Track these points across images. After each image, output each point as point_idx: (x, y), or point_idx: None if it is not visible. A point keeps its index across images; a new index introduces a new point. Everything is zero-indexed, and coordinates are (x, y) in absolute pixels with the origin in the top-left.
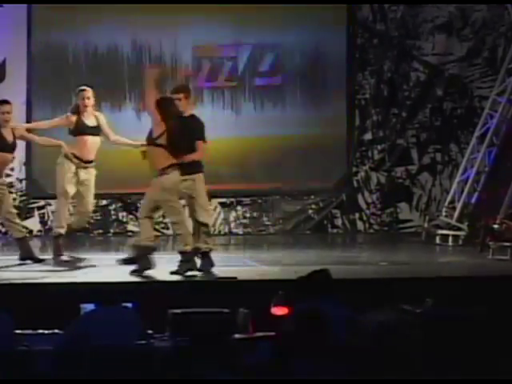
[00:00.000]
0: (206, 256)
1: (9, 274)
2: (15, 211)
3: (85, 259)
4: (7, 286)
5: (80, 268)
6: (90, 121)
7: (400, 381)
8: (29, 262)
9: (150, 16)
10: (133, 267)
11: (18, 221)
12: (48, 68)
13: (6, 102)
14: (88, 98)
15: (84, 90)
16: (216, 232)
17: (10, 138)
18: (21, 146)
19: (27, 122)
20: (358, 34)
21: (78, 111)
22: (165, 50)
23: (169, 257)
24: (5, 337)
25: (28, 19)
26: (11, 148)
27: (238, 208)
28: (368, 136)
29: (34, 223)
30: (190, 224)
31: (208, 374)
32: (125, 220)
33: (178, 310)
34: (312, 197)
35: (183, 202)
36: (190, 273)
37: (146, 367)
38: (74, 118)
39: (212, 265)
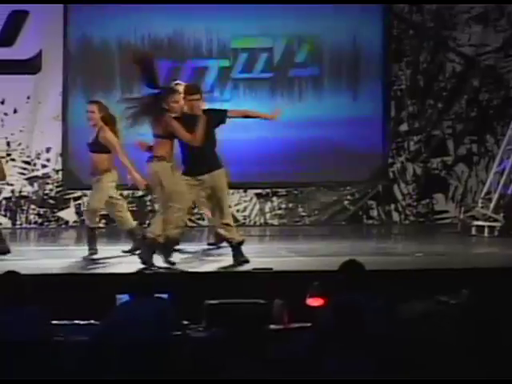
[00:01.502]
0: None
1: (46, 264)
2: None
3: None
4: (44, 276)
5: (115, 259)
6: None
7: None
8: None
9: (185, 7)
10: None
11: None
12: (84, 59)
13: (92, 101)
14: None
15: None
16: (252, 223)
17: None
18: (57, 136)
19: (63, 112)
20: (394, 25)
21: None
22: (202, 42)
23: (204, 248)
24: (41, 327)
25: (64, 10)
26: (98, 149)
27: (274, 199)
28: (404, 127)
29: (70, 214)
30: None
31: (242, 365)
32: None
33: (214, 301)
34: (348, 188)
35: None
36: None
37: (181, 358)
38: None
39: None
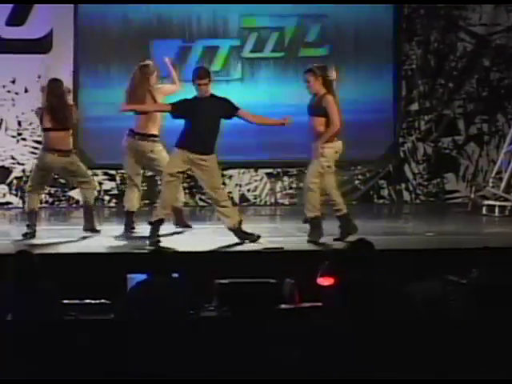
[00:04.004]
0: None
1: (56, 243)
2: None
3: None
4: (55, 255)
5: (126, 238)
6: None
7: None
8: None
9: None
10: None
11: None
12: (95, 38)
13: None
14: None
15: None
16: (262, 202)
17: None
18: None
19: (74, 92)
20: (404, 4)
21: None
22: (212, 21)
23: (214, 227)
24: (53, 306)
25: None
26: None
27: (285, 178)
28: (415, 107)
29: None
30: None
31: (254, 345)
32: None
33: (225, 280)
34: (359, 167)
35: None
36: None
37: (193, 337)
38: None
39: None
